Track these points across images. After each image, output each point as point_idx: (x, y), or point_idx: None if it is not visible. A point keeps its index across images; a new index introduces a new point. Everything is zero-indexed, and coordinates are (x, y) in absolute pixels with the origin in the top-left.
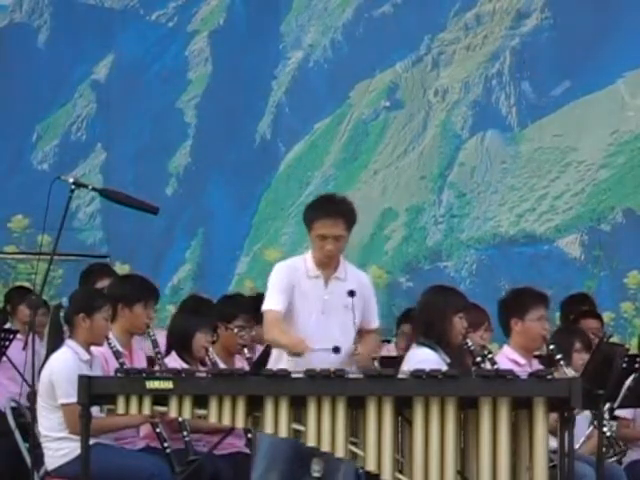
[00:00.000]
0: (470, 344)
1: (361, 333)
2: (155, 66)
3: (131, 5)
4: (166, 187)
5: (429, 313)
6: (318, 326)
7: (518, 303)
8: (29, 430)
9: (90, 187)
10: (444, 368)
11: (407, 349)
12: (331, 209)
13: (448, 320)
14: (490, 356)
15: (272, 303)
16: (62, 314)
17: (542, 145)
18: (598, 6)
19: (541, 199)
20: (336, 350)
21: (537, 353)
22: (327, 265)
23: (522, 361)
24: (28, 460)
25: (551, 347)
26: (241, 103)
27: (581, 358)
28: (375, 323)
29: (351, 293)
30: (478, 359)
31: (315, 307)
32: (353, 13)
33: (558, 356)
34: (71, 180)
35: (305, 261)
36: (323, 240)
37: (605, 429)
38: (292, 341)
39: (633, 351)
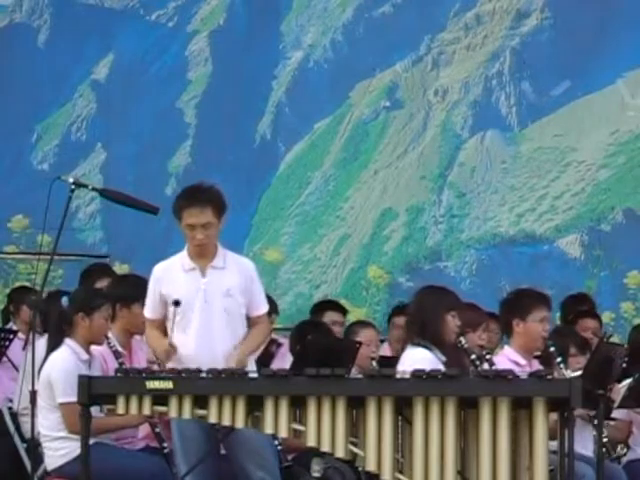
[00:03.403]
0: (464, 342)
1: (251, 320)
2: (155, 66)
3: (131, 5)
4: (166, 187)
5: (422, 313)
6: (201, 316)
7: (520, 304)
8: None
9: (90, 187)
10: (441, 367)
11: (402, 347)
12: (197, 197)
13: (441, 319)
14: (488, 357)
15: (147, 311)
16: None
17: (542, 145)
18: (598, 6)
19: (541, 199)
20: (176, 303)
21: (537, 353)
22: (202, 255)
23: (523, 362)
24: (25, 460)
25: (552, 349)
26: (241, 103)
27: (576, 362)
28: (262, 309)
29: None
30: (473, 356)
31: (195, 299)
32: (353, 13)
33: (558, 359)
34: (71, 180)
35: (181, 257)
36: (192, 230)
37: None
38: (159, 348)
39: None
